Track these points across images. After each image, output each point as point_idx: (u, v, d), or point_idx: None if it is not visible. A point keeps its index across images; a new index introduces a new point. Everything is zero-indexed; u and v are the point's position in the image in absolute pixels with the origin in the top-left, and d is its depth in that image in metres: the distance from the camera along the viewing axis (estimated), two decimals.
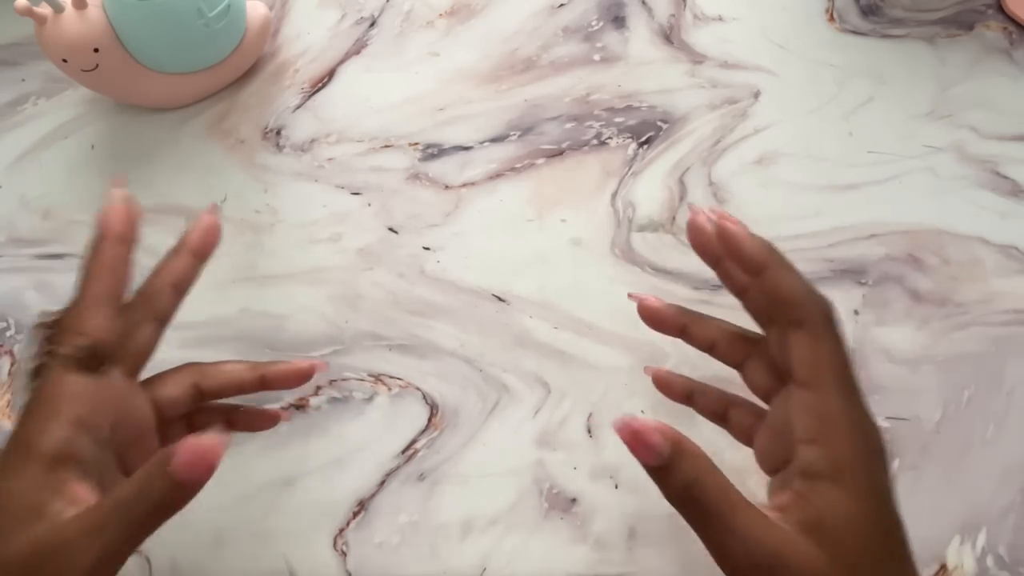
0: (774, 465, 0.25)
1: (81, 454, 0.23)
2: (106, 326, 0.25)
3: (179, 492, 0.22)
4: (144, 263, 0.42)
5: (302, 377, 0.31)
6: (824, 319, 0.24)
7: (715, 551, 0.21)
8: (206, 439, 0.21)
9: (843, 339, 0.24)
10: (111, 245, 0.27)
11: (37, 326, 0.26)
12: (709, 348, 0.28)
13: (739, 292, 0.26)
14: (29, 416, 0.24)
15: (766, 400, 0.26)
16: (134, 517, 0.22)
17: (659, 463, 0.21)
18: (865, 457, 0.22)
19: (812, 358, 0.23)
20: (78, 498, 0.23)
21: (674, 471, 0.21)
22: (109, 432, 0.24)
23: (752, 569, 0.20)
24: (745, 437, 0.28)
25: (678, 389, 0.31)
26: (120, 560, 0.22)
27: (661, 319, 0.29)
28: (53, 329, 0.25)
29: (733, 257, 0.25)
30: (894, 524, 0.22)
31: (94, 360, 0.24)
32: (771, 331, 0.25)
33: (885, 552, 0.21)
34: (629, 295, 0.29)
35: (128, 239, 0.27)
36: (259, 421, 0.32)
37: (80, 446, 0.23)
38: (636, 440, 0.21)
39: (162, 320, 0.27)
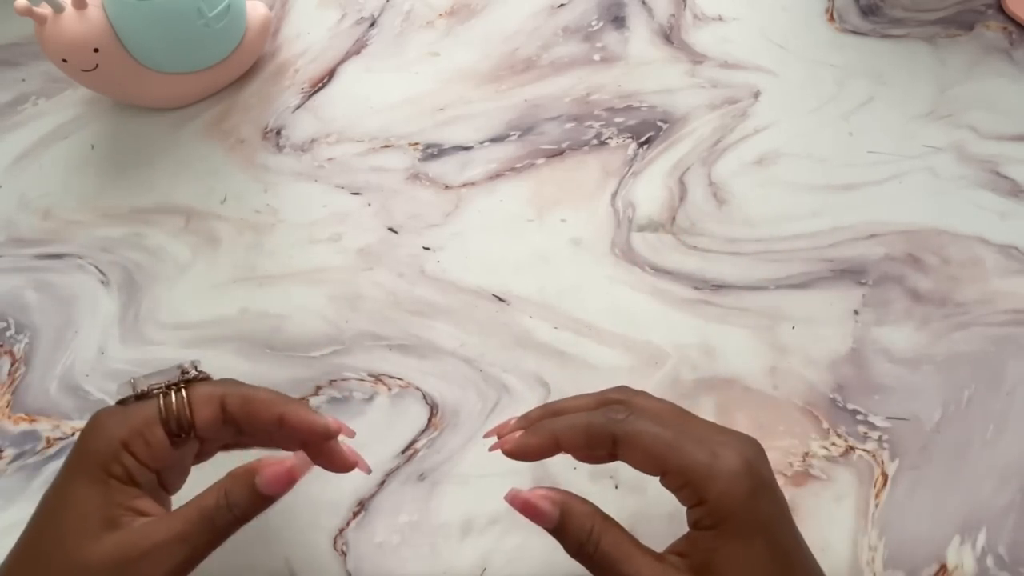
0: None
1: (140, 479, 0.26)
2: (211, 425, 0.27)
3: (260, 503, 0.25)
4: (140, 261, 0.42)
5: (318, 435, 0.28)
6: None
7: None
8: (289, 460, 0.25)
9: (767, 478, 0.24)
10: (285, 430, 0.28)
11: (181, 369, 0.28)
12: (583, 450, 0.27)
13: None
14: (103, 433, 0.26)
15: None
16: (218, 525, 0.25)
17: (552, 526, 0.24)
18: (748, 496, 0.23)
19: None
20: (145, 511, 0.25)
21: (567, 531, 0.24)
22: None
23: None
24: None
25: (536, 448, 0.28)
26: (197, 563, 0.25)
27: (532, 452, 0.27)
28: (184, 382, 0.27)
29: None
30: (788, 552, 0.23)
31: (179, 431, 0.27)
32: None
33: None
34: (490, 449, 0.29)
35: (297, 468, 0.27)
36: (329, 460, 0.29)
37: (140, 473, 0.26)
38: (527, 509, 0.24)
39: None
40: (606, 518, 0.25)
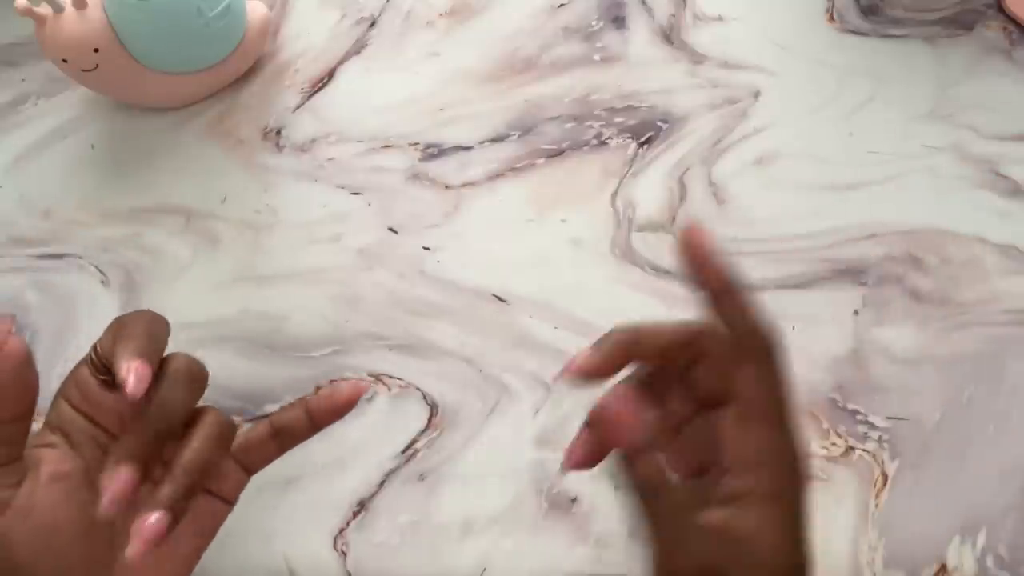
0: (685, 468, 0.25)
1: (71, 427, 0.26)
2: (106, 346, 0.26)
3: None
4: (139, 260, 0.42)
5: (349, 404, 0.29)
6: (769, 352, 0.24)
7: (662, 551, 0.23)
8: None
9: (784, 370, 0.24)
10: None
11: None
12: (662, 357, 0.26)
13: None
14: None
15: (696, 408, 0.26)
16: None
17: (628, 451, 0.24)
18: (785, 492, 0.23)
19: (754, 392, 0.23)
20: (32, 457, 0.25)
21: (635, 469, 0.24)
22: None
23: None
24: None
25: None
26: None
27: (602, 368, 0.26)
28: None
29: (700, 272, 0.25)
30: (803, 557, 0.23)
31: (104, 370, 0.26)
32: (716, 355, 0.25)
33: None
34: (554, 380, 0.27)
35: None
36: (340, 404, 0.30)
37: (71, 421, 0.26)
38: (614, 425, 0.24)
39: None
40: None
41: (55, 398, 0.26)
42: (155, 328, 0.26)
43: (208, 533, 0.28)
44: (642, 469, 0.23)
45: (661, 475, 0.23)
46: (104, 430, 0.26)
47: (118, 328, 0.26)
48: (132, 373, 0.24)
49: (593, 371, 0.25)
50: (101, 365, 0.26)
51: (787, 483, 0.23)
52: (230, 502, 0.29)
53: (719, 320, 0.24)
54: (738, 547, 0.22)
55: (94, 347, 0.26)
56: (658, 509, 0.23)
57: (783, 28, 0.47)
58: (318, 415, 0.29)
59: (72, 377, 0.26)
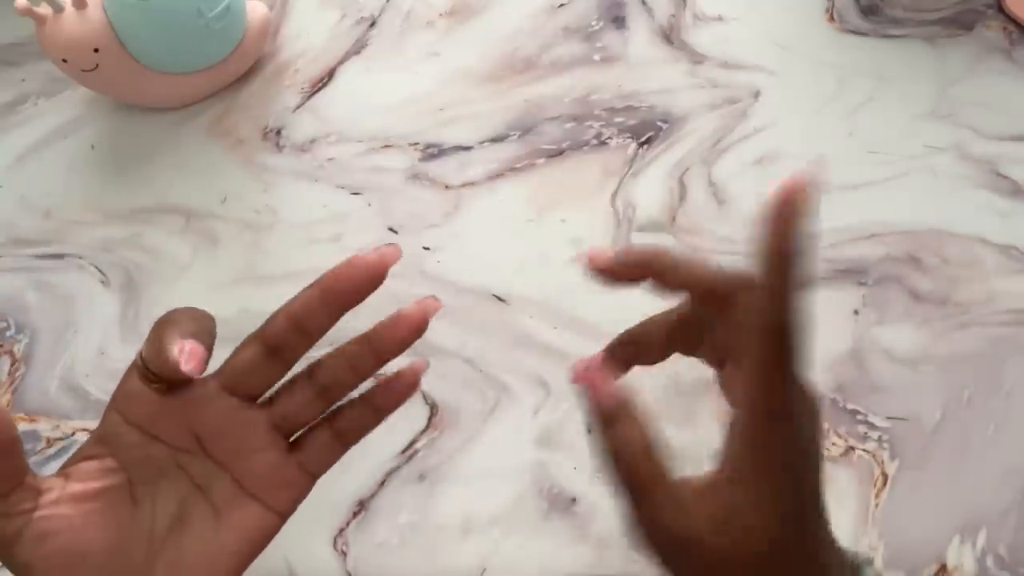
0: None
1: (119, 440, 0.24)
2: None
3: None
4: (139, 260, 0.42)
5: (416, 329, 0.26)
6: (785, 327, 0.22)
7: (637, 516, 0.22)
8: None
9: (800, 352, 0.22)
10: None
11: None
12: (683, 286, 0.25)
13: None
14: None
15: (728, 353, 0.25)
16: None
17: (605, 412, 0.22)
18: (782, 475, 0.21)
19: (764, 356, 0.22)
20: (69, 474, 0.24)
21: (613, 427, 0.22)
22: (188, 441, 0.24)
23: (666, 544, 0.21)
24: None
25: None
26: None
27: (617, 269, 0.25)
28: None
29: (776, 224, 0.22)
30: (802, 529, 0.21)
31: (152, 375, 0.24)
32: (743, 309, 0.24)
33: (787, 555, 0.21)
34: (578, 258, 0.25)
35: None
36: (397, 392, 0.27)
37: (121, 434, 0.24)
38: (589, 384, 0.23)
39: (266, 343, 0.26)
40: (654, 440, 0.23)
41: (106, 408, 0.24)
42: (199, 315, 0.25)
43: (253, 546, 0.25)
44: (621, 431, 0.22)
45: (642, 439, 0.22)
46: (164, 443, 0.24)
47: (158, 325, 0.24)
48: (184, 352, 0.22)
49: (607, 267, 0.25)
50: (149, 371, 0.23)
51: (791, 458, 0.21)
52: (282, 513, 0.25)
53: (763, 278, 0.22)
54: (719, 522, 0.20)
55: (139, 353, 0.24)
56: (635, 474, 0.21)
57: (783, 28, 0.47)
58: (384, 350, 0.26)
59: (122, 387, 0.24)
